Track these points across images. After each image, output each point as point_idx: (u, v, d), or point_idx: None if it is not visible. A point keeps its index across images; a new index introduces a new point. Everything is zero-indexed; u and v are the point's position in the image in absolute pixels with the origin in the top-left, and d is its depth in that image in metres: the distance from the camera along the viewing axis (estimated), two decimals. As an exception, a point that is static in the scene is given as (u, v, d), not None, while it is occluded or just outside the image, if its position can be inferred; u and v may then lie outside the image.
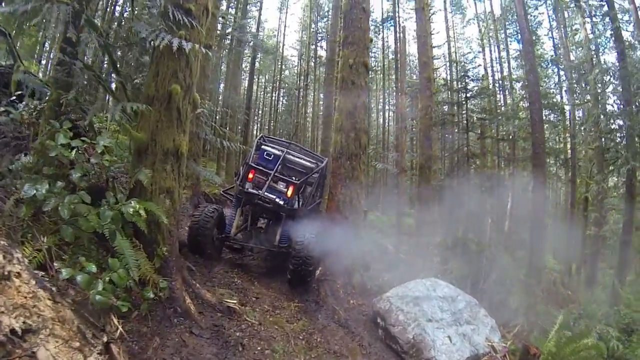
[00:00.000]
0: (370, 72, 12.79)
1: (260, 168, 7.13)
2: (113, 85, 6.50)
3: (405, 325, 5.58)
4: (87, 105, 4.05)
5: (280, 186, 7.11)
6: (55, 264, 2.87)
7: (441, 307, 5.87)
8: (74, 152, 3.41)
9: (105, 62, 8.73)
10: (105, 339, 2.96)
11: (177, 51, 4.31)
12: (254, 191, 6.88)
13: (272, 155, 7.42)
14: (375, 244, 15.39)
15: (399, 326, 5.64)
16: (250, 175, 7.07)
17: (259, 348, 4.55)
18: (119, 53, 6.33)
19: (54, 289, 2.79)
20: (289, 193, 7.01)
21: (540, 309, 10.60)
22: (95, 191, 4.44)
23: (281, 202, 6.96)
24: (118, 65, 5.81)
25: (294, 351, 4.89)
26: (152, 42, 3.91)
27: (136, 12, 6.44)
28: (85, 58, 6.84)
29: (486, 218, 12.25)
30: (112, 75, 5.93)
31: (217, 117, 27.00)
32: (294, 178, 7.33)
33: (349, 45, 8.46)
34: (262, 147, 7.66)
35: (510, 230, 18.98)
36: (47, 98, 4.37)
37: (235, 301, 5.08)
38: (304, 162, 7.83)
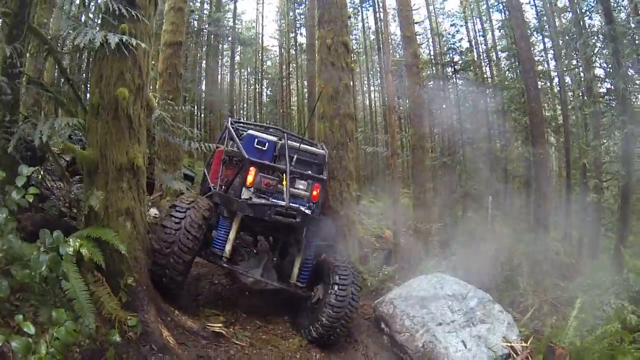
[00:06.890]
0: (351, 53, 12.16)
1: (266, 163, 4.93)
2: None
3: (412, 331, 5.04)
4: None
5: (300, 187, 5.00)
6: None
7: (451, 307, 5.29)
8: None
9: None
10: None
11: (119, 49, 3.68)
12: (270, 201, 4.68)
13: (267, 143, 5.20)
14: (371, 232, 15.02)
15: (406, 333, 5.10)
16: (250, 178, 4.70)
17: (250, 376, 4.07)
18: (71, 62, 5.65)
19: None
20: (315, 194, 5.00)
21: (549, 283, 10.34)
22: (53, 223, 3.86)
23: (308, 212, 4.87)
24: (68, 74, 5.21)
25: (291, 374, 4.42)
26: (74, 41, 3.26)
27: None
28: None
29: (486, 196, 11.84)
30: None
31: (202, 115, 26.50)
32: (309, 172, 5.27)
33: (326, 24, 7.70)
34: (249, 132, 5.36)
35: (512, 205, 18.80)
36: None
37: (220, 324, 4.55)
38: (312, 148, 5.71)
